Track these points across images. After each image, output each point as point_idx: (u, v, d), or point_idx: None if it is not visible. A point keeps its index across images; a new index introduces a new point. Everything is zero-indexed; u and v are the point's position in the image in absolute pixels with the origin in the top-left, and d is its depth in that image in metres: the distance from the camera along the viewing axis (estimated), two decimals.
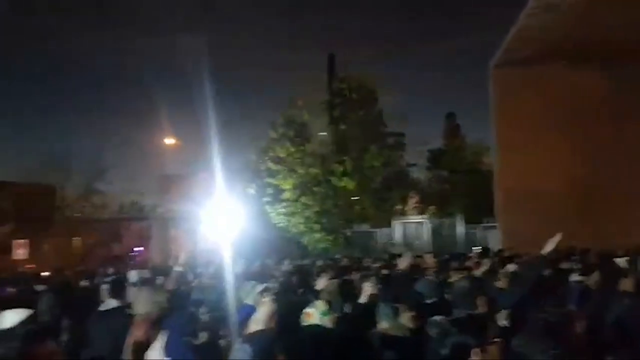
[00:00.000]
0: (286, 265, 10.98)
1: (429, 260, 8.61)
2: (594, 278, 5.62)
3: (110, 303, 5.37)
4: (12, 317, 3.55)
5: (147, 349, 3.48)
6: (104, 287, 5.33)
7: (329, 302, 4.75)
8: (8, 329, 2.67)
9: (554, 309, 3.95)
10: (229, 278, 6.23)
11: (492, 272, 6.42)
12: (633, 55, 14.43)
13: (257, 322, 2.74)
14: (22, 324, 3.38)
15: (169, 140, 32.92)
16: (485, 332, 3.92)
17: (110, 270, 13.24)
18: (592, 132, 15.17)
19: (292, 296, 5.70)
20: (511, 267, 6.59)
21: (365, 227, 21.73)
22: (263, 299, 2.82)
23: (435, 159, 25.46)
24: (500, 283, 5.54)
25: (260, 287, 4.72)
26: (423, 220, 20.80)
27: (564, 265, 7.20)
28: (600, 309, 4.74)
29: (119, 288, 5.69)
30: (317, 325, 4.70)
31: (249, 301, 4.70)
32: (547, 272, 6.27)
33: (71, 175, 34.59)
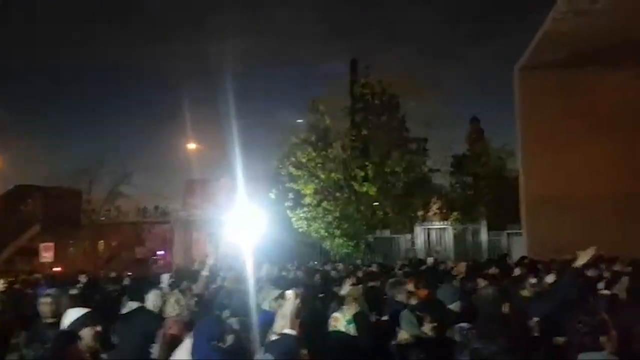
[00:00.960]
0: (307, 270, 11.00)
1: (460, 267, 8.64)
2: (622, 287, 5.48)
3: (131, 305, 5.43)
4: (73, 315, 3.68)
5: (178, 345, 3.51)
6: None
7: (355, 310, 4.74)
8: (42, 331, 2.73)
9: (587, 318, 3.85)
10: (251, 283, 6.26)
11: (516, 280, 6.33)
12: None
13: (284, 317, 2.74)
14: (77, 323, 3.48)
15: (192, 145, 33.32)
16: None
17: (112, 274, 13.39)
18: (623, 138, 14.82)
19: (315, 301, 5.69)
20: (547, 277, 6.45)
21: (387, 233, 21.61)
22: (288, 295, 2.81)
23: (459, 164, 25.13)
24: (526, 292, 5.45)
25: (275, 293, 4.71)
26: (446, 226, 20.59)
27: (591, 274, 7.05)
28: (631, 319, 4.62)
29: (137, 291, 5.74)
30: (342, 332, 4.69)
31: (265, 306, 4.70)
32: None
33: (97, 180, 35.18)
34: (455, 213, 21.30)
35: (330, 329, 4.86)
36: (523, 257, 10.86)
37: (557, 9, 12.34)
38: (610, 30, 12.66)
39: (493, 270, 8.07)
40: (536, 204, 15.17)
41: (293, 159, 21.75)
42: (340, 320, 4.79)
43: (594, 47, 13.57)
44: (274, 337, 2.81)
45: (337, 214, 21.08)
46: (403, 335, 4.30)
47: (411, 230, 21.08)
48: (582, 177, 14.69)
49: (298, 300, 2.83)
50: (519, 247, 16.61)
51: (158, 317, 4.79)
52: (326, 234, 21.16)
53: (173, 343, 3.80)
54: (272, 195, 21.90)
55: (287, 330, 2.66)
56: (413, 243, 20.78)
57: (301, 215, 21.15)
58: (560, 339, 4.09)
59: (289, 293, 2.90)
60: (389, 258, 19.01)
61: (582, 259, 4.64)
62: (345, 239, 21.07)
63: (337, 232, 21.09)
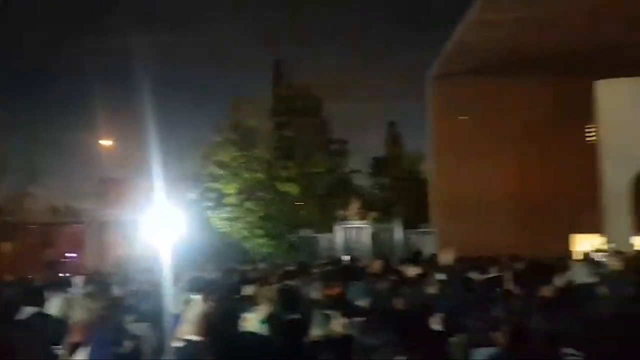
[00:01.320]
0: (225, 271, 10.90)
1: (376, 265, 8.85)
2: (514, 283, 5.88)
3: (29, 310, 5.18)
4: None
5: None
6: None
7: (269, 310, 4.78)
8: None
9: (481, 315, 4.11)
10: (164, 285, 6.13)
11: (421, 276, 6.63)
12: (572, 70, 15.06)
13: (187, 323, 2.73)
14: None
15: (106, 142, 31.75)
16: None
17: (11, 278, 12.51)
18: (530, 146, 15.79)
19: (226, 302, 5.67)
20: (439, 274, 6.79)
21: (309, 232, 21.82)
22: (193, 301, 2.81)
23: (377, 166, 26.12)
24: (430, 288, 5.73)
25: (187, 295, 4.66)
26: (364, 225, 21.10)
27: (492, 272, 7.48)
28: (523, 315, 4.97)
29: (34, 295, 5.47)
30: (254, 333, 4.71)
31: (177, 310, 4.64)
32: (474, 278, 6.56)
33: (2, 178, 32.90)
34: (373, 213, 21.90)
35: (243, 329, 4.87)
36: (432, 255, 11.34)
37: (466, 19, 12.97)
38: (517, 40, 13.43)
39: (404, 267, 8.38)
40: (446, 205, 15.92)
41: (215, 158, 21.49)
42: (252, 321, 4.81)
43: (503, 57, 14.38)
44: (177, 343, 2.79)
45: (261, 214, 21.09)
46: (315, 333, 4.39)
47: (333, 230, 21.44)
48: (489, 181, 15.56)
49: (205, 304, 2.82)
50: (431, 245, 17.35)
51: (61, 322, 4.60)
52: (248, 234, 21.08)
53: (74, 349, 3.67)
54: (193, 195, 21.51)
55: (191, 336, 2.65)
56: (333, 242, 21.11)
57: (223, 215, 20.93)
58: (459, 336, 4.33)
59: (196, 297, 2.88)
60: (311, 257, 19.19)
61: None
62: (267, 238, 21.09)
63: (260, 232, 21.08)
